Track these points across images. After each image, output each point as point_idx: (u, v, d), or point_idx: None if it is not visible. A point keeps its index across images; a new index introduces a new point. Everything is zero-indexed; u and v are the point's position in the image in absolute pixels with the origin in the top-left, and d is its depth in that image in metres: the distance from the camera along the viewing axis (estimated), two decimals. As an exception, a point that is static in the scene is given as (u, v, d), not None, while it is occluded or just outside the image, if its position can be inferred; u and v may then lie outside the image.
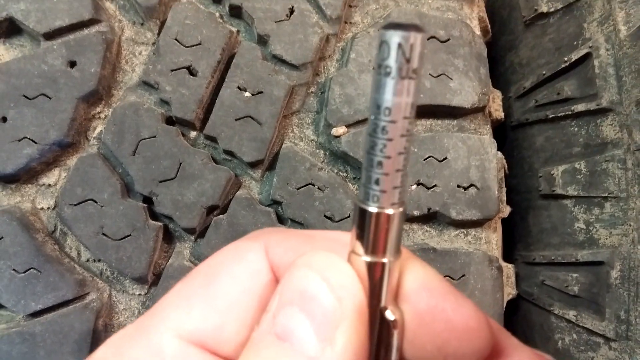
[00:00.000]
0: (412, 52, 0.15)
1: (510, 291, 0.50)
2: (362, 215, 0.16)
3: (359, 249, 0.17)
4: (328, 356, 0.17)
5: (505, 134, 0.58)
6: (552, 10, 0.51)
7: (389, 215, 0.16)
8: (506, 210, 0.49)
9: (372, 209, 0.16)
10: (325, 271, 0.18)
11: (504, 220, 0.56)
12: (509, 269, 0.51)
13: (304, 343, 0.17)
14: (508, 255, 0.56)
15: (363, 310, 0.18)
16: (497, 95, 0.53)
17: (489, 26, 0.54)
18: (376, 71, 0.16)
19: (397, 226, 0.17)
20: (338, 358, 0.17)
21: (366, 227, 0.17)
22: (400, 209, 0.17)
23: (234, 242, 0.22)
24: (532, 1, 0.53)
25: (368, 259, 0.17)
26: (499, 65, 0.60)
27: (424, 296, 0.18)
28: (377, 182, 0.16)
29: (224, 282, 0.20)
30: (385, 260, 0.17)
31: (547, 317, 0.51)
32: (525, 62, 0.55)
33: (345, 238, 0.19)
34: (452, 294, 0.18)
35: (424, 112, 0.44)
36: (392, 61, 0.15)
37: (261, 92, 0.41)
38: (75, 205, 0.39)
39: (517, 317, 0.56)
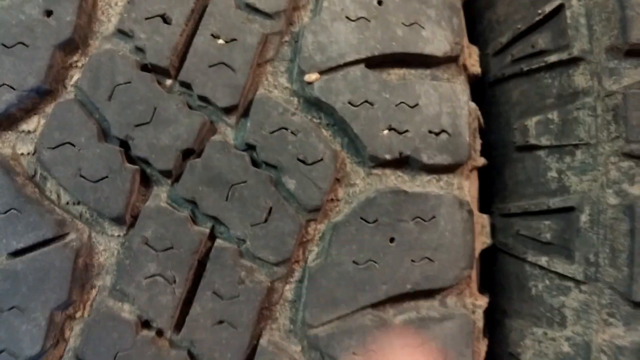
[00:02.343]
0: None
1: (485, 240, 0.51)
2: None
3: None
4: None
5: (484, 91, 0.59)
6: (527, -36, 0.52)
7: None
8: (479, 160, 0.49)
9: None
10: None
11: (482, 176, 0.57)
12: (483, 218, 0.52)
13: None
14: (486, 210, 0.57)
15: None
16: (473, 51, 0.53)
17: (467, -18, 0.54)
18: None
19: None
20: None
21: None
22: None
23: None
24: (508, -44, 0.53)
25: None
26: (477, 23, 0.60)
27: None
28: None
29: None
30: None
31: (521, 266, 0.52)
32: (502, 18, 0.56)
33: None
34: None
35: (397, 60, 0.45)
36: None
37: (234, 40, 0.42)
38: (53, 148, 0.40)
39: (494, 268, 0.57)
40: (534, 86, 0.51)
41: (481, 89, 0.59)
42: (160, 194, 0.42)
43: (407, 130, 0.43)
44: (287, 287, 0.43)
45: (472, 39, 0.61)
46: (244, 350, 0.41)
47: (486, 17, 0.59)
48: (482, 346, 0.52)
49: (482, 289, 0.56)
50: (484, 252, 0.57)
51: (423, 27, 0.44)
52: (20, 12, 0.42)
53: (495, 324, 0.57)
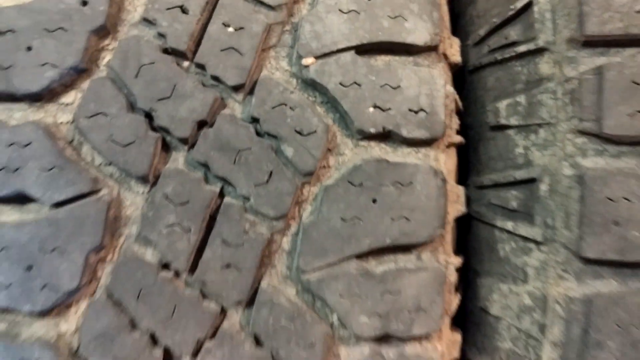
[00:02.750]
0: None
1: (459, 208, 0.58)
2: None
3: None
4: None
5: (465, 78, 0.65)
6: (504, -36, 0.58)
7: None
8: (456, 138, 0.56)
9: None
10: None
11: (462, 154, 0.64)
12: (459, 189, 0.59)
13: None
14: (464, 183, 0.64)
15: None
16: (455, 42, 0.60)
17: (450, -20, 0.60)
18: None
19: None
20: None
21: None
22: None
23: None
24: (488, -43, 0.59)
25: None
26: (460, 18, 0.67)
27: None
28: None
29: None
30: None
31: (491, 231, 0.59)
32: (481, 13, 0.62)
33: None
34: None
35: (383, 48, 0.51)
36: None
37: (242, 28, 0.49)
38: (89, 117, 0.48)
39: (470, 235, 0.64)
40: (506, 73, 0.58)
41: (462, 76, 0.66)
42: (178, 158, 0.49)
43: (389, 108, 0.50)
44: (284, 239, 0.50)
45: (456, 32, 0.67)
46: (247, 291, 0.49)
47: (468, 12, 0.65)
48: (455, 300, 0.59)
49: (458, 252, 0.63)
50: (461, 221, 0.64)
51: (406, 20, 0.51)
52: (60, 2, 0.49)
53: (468, 283, 0.65)
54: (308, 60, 0.49)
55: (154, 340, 0.50)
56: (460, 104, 0.58)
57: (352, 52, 0.50)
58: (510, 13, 0.56)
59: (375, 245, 0.50)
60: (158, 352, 0.50)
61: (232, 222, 0.48)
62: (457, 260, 0.58)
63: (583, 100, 0.49)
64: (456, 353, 0.61)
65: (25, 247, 0.48)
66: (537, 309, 0.54)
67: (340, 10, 0.50)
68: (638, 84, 0.47)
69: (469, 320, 0.65)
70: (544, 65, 0.53)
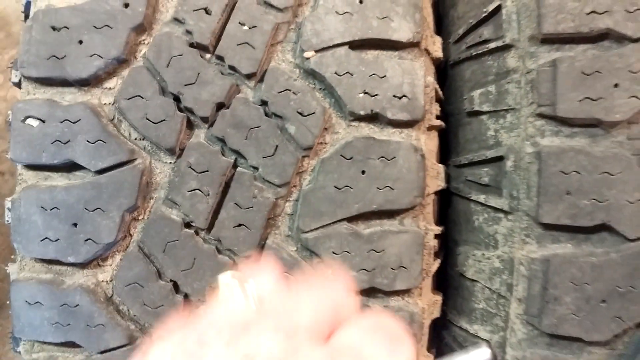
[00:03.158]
0: None
1: (439, 183, 0.67)
2: None
3: None
4: None
5: (447, 72, 0.74)
6: (480, -26, 0.67)
7: None
8: (436, 122, 0.65)
9: None
10: None
11: (445, 139, 0.72)
12: (439, 167, 0.67)
13: None
14: (446, 162, 0.72)
15: None
16: (437, 40, 0.69)
17: (434, -13, 0.70)
18: None
19: None
20: None
21: None
22: None
23: None
24: (467, -32, 0.69)
25: None
26: (444, 19, 0.76)
27: None
28: None
29: None
30: None
31: (467, 204, 0.68)
32: (461, 15, 0.71)
33: None
34: None
35: (372, 44, 0.61)
36: None
37: (255, 26, 0.59)
38: (128, 99, 0.58)
39: (450, 209, 0.73)
40: (480, 66, 0.66)
41: (445, 70, 0.75)
42: (200, 134, 0.59)
43: (377, 94, 0.59)
44: (287, 204, 0.60)
45: (440, 31, 0.76)
46: (255, 246, 0.58)
47: (450, 14, 0.74)
48: (435, 263, 0.68)
49: (442, 224, 0.71)
50: (443, 198, 0.73)
51: (392, 20, 0.60)
52: (106, 3, 0.59)
53: (449, 251, 0.73)
54: (309, 54, 0.59)
55: (176, 287, 0.59)
56: (440, 92, 0.67)
57: (346, 47, 0.59)
58: (483, 15, 0.65)
59: (363, 210, 0.58)
60: (179, 298, 0.59)
61: (244, 188, 0.58)
62: (436, 228, 0.66)
63: (541, 88, 0.58)
64: (437, 312, 0.69)
65: (72, 207, 0.58)
66: (505, 270, 0.62)
67: (336, 12, 0.59)
68: (587, 74, 0.56)
69: (450, 286, 0.74)
70: (511, 60, 0.62)
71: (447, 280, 0.73)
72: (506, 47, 0.62)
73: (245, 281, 0.27)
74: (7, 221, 0.62)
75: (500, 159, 0.63)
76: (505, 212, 0.62)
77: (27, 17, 0.66)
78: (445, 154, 0.73)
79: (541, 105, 0.58)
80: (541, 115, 0.58)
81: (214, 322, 0.26)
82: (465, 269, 0.68)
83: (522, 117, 0.60)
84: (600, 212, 0.56)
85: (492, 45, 0.64)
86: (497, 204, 0.63)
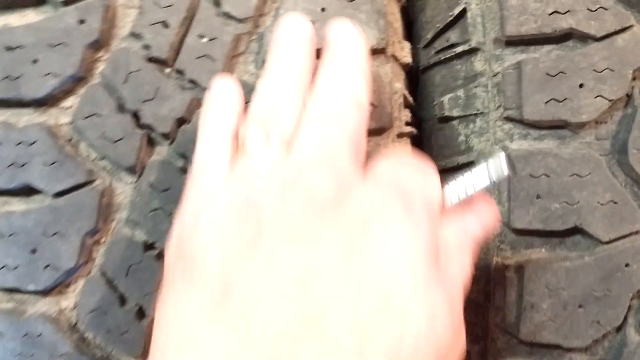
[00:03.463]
0: None
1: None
2: None
3: None
4: None
5: (417, 77, 0.73)
6: (445, -22, 0.67)
7: None
8: (406, 129, 0.64)
9: None
10: None
11: (418, 146, 0.71)
12: (412, 176, 0.66)
13: None
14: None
15: None
16: (406, 45, 0.68)
17: (401, -6, 0.69)
18: None
19: None
20: None
21: None
22: None
23: None
24: (431, -28, 0.68)
25: None
26: (414, 24, 0.75)
27: None
28: None
29: None
30: None
31: (442, 212, 0.66)
32: (429, 20, 0.70)
33: None
34: None
35: (337, 52, 0.60)
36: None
37: (215, 38, 0.57)
38: (84, 118, 0.56)
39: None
40: (448, 71, 0.66)
41: (416, 75, 0.74)
42: (161, 151, 0.57)
43: (343, 103, 0.58)
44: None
45: (410, 36, 0.76)
46: (222, 265, 0.56)
47: (419, 19, 0.73)
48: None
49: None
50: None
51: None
52: (61, 21, 0.57)
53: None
54: (271, 65, 0.57)
55: (141, 312, 0.57)
56: (410, 98, 0.66)
57: (309, 56, 0.58)
58: (450, 19, 0.64)
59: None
60: (145, 323, 0.57)
61: (209, 205, 0.56)
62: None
63: (507, 91, 0.57)
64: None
65: (30, 232, 0.56)
66: (482, 279, 0.61)
67: (298, 22, 0.58)
68: (552, 75, 0.55)
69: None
70: (477, 63, 0.61)
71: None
72: (472, 51, 0.62)
73: None
74: (-35, 249, 0.60)
75: (471, 164, 0.61)
76: (479, 218, 0.61)
77: (-18, 37, 0.65)
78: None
79: (508, 109, 0.57)
80: (508, 119, 0.57)
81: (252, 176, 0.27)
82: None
83: (491, 122, 0.59)
84: (571, 215, 0.55)
85: (459, 49, 0.63)
86: (470, 210, 0.61)
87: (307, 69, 0.35)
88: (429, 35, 0.70)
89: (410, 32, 0.76)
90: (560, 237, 0.57)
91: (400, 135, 0.65)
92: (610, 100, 0.56)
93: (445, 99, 0.65)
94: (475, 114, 0.61)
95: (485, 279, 0.61)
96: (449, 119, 0.65)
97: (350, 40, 0.35)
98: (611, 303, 0.57)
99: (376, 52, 0.61)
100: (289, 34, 0.34)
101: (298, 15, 0.33)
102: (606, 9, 0.57)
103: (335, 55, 0.35)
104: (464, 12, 0.63)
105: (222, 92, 0.35)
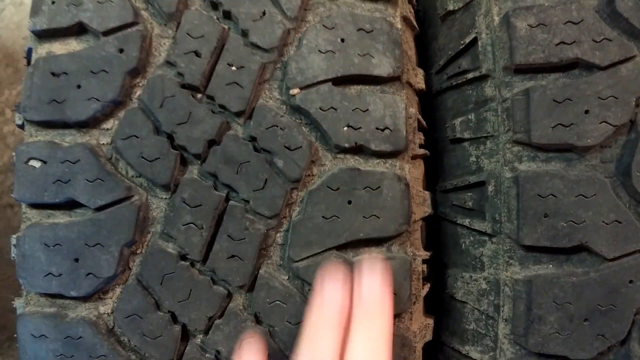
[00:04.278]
0: None
1: (426, 210, 0.69)
2: None
3: None
4: None
5: (431, 101, 0.77)
6: (456, 8, 0.70)
7: None
8: (420, 151, 0.68)
9: None
10: None
11: (432, 169, 0.75)
12: (425, 194, 0.70)
13: None
14: (433, 187, 0.75)
15: None
16: (419, 72, 0.72)
17: (415, 23, 0.73)
18: None
19: None
20: None
21: None
22: None
23: None
24: (444, 2, 0.72)
25: None
26: (427, 51, 0.79)
27: None
28: None
29: None
30: None
31: (454, 228, 0.70)
32: (441, 47, 0.74)
33: None
34: None
35: (355, 80, 0.64)
36: None
37: (243, 67, 0.62)
38: (124, 139, 0.61)
39: (439, 233, 0.75)
40: (460, 96, 0.69)
41: (429, 99, 0.78)
42: (193, 170, 0.62)
43: (360, 127, 0.62)
44: (278, 234, 0.62)
45: (423, 62, 0.80)
46: (248, 277, 0.60)
47: (432, 46, 0.77)
48: (424, 288, 0.70)
49: (431, 248, 0.74)
50: (433, 223, 0.75)
51: (373, 57, 0.63)
52: (102, 50, 0.63)
53: (440, 274, 0.75)
54: (294, 91, 0.62)
55: (174, 318, 0.62)
56: (423, 122, 0.69)
57: (330, 83, 0.62)
58: (461, 47, 0.68)
59: (351, 238, 0.61)
60: (177, 328, 0.61)
61: (236, 221, 0.61)
62: (424, 253, 0.68)
63: (516, 116, 0.61)
64: (429, 336, 0.71)
65: (73, 243, 0.61)
66: (492, 292, 0.64)
67: (319, 50, 0.62)
68: (559, 102, 0.59)
69: (442, 307, 0.76)
70: (488, 89, 0.65)
71: (440, 303, 0.75)
72: (483, 77, 0.65)
73: None
74: (13, 257, 0.65)
75: (482, 184, 0.65)
76: (489, 235, 0.64)
77: (29, 62, 0.70)
78: (434, 179, 0.76)
79: (517, 132, 0.61)
80: (517, 142, 0.61)
81: None
82: (455, 291, 0.70)
83: (500, 144, 0.63)
84: (577, 233, 0.58)
85: (470, 75, 0.67)
86: (481, 228, 0.65)
87: (338, 336, 0.41)
88: (442, 62, 0.74)
89: (424, 58, 0.80)
90: (566, 254, 0.60)
91: (414, 157, 0.69)
92: (614, 126, 0.59)
93: (457, 121, 0.69)
94: (486, 137, 0.65)
95: (495, 292, 0.64)
96: (460, 140, 0.68)
97: (381, 306, 0.40)
98: (616, 317, 0.60)
99: (392, 79, 0.65)
100: (326, 304, 0.39)
101: (336, 282, 0.39)
102: (610, 40, 0.60)
103: (368, 321, 0.40)
104: (475, 40, 0.66)
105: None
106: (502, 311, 0.63)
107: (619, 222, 0.59)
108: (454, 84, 0.70)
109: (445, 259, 0.73)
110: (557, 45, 0.60)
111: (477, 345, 0.67)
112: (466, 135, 0.67)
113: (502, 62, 0.63)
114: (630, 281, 0.59)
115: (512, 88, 0.62)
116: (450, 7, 0.71)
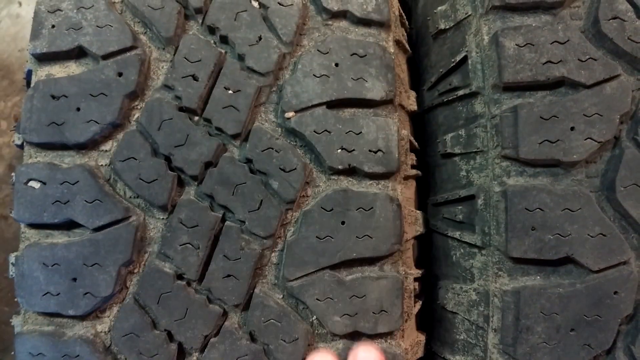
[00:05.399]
0: None
1: (418, 229, 0.71)
2: None
3: None
4: None
5: (423, 117, 0.79)
6: (447, 27, 0.72)
7: None
8: (412, 171, 0.69)
9: None
10: None
11: (423, 183, 0.76)
12: (417, 213, 0.72)
13: None
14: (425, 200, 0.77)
15: None
16: (412, 94, 0.74)
17: (407, 46, 0.75)
18: None
19: None
20: None
21: None
22: None
23: None
24: (435, 21, 0.74)
25: None
26: (419, 68, 0.81)
27: None
28: None
29: None
30: None
31: (445, 240, 0.72)
32: (433, 64, 0.76)
33: None
34: None
35: (348, 103, 0.65)
36: None
37: (239, 90, 0.64)
38: (122, 161, 0.62)
39: (431, 246, 0.76)
40: (451, 112, 0.71)
41: (421, 115, 0.80)
42: (190, 191, 0.63)
43: (354, 150, 0.63)
44: (273, 254, 0.63)
45: (415, 79, 0.82)
46: (243, 296, 0.62)
47: (424, 63, 0.79)
48: (416, 305, 0.71)
49: (425, 262, 0.75)
50: (425, 239, 0.77)
51: (366, 81, 0.65)
52: (101, 73, 0.64)
53: (432, 286, 0.76)
54: (289, 114, 0.64)
55: (170, 337, 0.63)
56: (415, 143, 0.71)
57: (324, 106, 0.64)
58: (452, 64, 0.70)
59: (344, 258, 0.62)
60: (173, 347, 0.62)
61: (232, 241, 0.62)
62: (415, 271, 0.70)
63: (504, 132, 0.62)
64: (421, 352, 0.72)
65: (72, 262, 0.62)
66: (482, 302, 0.66)
67: (314, 74, 0.64)
68: (545, 119, 0.61)
69: (434, 318, 0.77)
70: (477, 106, 0.67)
71: (432, 314, 0.77)
72: (473, 94, 0.67)
73: None
74: (11, 275, 0.66)
75: (472, 197, 0.67)
76: (479, 247, 0.66)
77: (28, 84, 0.72)
78: (426, 193, 0.77)
79: (505, 148, 0.62)
80: (506, 157, 0.63)
81: None
82: (446, 302, 0.71)
83: (490, 159, 0.65)
84: (564, 245, 0.60)
85: (461, 92, 0.69)
86: (471, 240, 0.67)
87: None
88: (433, 79, 0.76)
89: (416, 75, 0.82)
90: (553, 266, 0.62)
91: (406, 178, 0.71)
92: (599, 142, 0.61)
93: (448, 137, 0.70)
94: (476, 152, 0.66)
95: (485, 303, 0.66)
96: (451, 155, 0.70)
97: None
98: (601, 327, 0.61)
99: (385, 102, 0.67)
100: None
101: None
102: (595, 60, 0.62)
103: None
104: (465, 59, 0.68)
105: None
106: (492, 321, 0.64)
107: (604, 235, 0.61)
108: (445, 100, 0.72)
109: (437, 271, 0.75)
110: (544, 64, 0.61)
111: (467, 355, 0.69)
112: (457, 150, 0.69)
113: (491, 79, 0.65)
114: (615, 292, 0.61)
115: (501, 105, 0.64)
116: (442, 26, 0.73)
